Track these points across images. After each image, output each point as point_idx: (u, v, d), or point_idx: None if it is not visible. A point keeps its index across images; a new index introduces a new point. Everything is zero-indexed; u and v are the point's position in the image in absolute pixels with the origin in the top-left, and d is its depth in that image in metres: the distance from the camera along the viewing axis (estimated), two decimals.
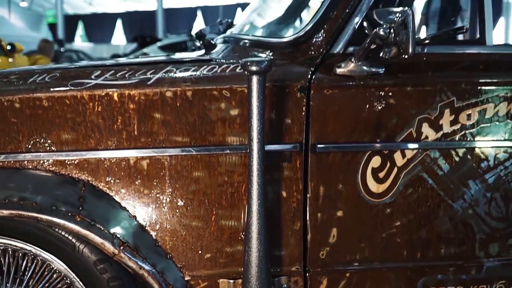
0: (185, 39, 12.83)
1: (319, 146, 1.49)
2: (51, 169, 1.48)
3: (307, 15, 2.01)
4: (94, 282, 1.47)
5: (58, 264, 1.48)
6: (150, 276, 1.43)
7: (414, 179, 1.54)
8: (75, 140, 1.47)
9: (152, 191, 1.49)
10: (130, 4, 27.74)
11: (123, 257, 1.41)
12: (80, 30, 29.47)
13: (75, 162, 1.47)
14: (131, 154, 1.47)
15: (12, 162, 1.47)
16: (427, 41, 1.58)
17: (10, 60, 7.17)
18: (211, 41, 2.01)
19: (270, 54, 1.61)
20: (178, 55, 2.14)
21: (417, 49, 1.51)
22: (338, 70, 1.49)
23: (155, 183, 1.48)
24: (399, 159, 1.53)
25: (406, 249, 1.57)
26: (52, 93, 1.46)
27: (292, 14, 2.07)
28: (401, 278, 1.60)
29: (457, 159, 1.55)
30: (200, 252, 1.51)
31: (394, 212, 1.55)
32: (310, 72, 1.50)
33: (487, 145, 1.55)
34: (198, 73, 1.52)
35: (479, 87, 1.53)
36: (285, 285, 1.55)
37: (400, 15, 1.39)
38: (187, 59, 1.72)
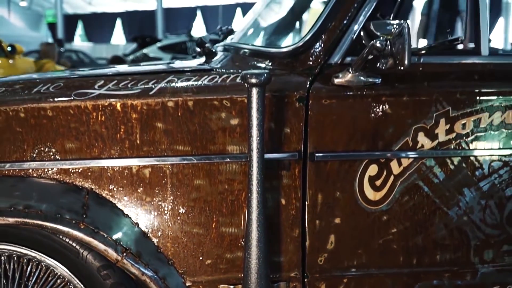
0: (185, 39, 12.85)
1: (317, 154, 1.52)
2: (55, 177, 1.51)
3: (306, 24, 2.05)
4: (98, 287, 1.51)
5: (62, 270, 1.51)
6: (152, 282, 1.46)
7: (410, 187, 1.57)
8: (79, 149, 1.50)
9: (154, 199, 1.52)
10: (130, 3, 27.72)
11: (126, 263, 1.44)
12: (79, 30, 29.47)
13: (79, 171, 1.51)
14: (134, 162, 1.50)
15: (17, 170, 1.51)
16: (423, 51, 1.61)
17: (11, 61, 7.15)
18: (212, 49, 2.04)
19: (269, 64, 1.64)
20: (179, 64, 2.16)
21: (413, 59, 1.54)
22: (336, 80, 1.52)
23: (157, 191, 1.52)
24: (395, 168, 1.56)
25: (402, 255, 1.61)
26: (56, 103, 1.50)
27: (290, 23, 2.10)
28: (397, 283, 1.64)
29: (452, 167, 1.58)
30: (201, 258, 1.55)
31: (390, 219, 1.58)
32: (309, 82, 1.53)
33: (481, 153, 1.59)
34: (199, 83, 1.55)
35: (474, 97, 1.56)
36: None
37: (396, 28, 1.42)
38: (188, 69, 1.75)
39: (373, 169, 1.56)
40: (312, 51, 1.58)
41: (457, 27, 1.69)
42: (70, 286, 1.53)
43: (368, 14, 1.56)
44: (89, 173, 1.51)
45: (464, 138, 1.57)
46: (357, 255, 1.59)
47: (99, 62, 17.33)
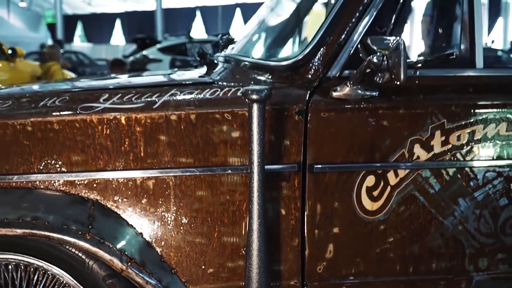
0: (184, 41, 12.87)
1: (316, 166, 1.56)
2: (61, 189, 1.55)
3: (305, 37, 2.09)
4: None
5: (68, 279, 1.55)
6: None
7: (406, 197, 1.62)
8: (85, 161, 1.54)
9: (158, 210, 1.56)
10: (129, 4, 27.76)
11: (130, 272, 1.48)
12: (79, 30, 29.51)
13: (85, 182, 1.55)
14: (138, 174, 1.55)
15: (24, 182, 1.55)
16: (419, 65, 1.65)
17: (12, 64, 7.18)
18: (213, 59, 2.08)
19: (269, 77, 1.69)
20: (181, 75, 2.20)
21: (409, 72, 1.57)
22: (334, 94, 1.56)
23: (160, 202, 1.56)
24: (392, 178, 1.61)
25: (399, 263, 1.65)
26: (62, 117, 1.54)
27: (290, 35, 2.14)
28: None
29: (447, 178, 1.63)
30: (203, 267, 1.59)
31: (387, 228, 1.62)
32: (308, 95, 1.57)
33: (476, 164, 1.63)
34: (201, 96, 1.59)
35: (468, 110, 1.60)
36: None
37: (393, 43, 1.46)
38: (190, 82, 1.79)
39: (370, 180, 1.60)
40: (311, 65, 1.62)
41: (452, 40, 1.72)
42: None
43: (365, 29, 1.60)
44: (94, 185, 1.55)
45: (459, 149, 1.61)
46: (355, 264, 1.64)
47: (98, 63, 17.37)
